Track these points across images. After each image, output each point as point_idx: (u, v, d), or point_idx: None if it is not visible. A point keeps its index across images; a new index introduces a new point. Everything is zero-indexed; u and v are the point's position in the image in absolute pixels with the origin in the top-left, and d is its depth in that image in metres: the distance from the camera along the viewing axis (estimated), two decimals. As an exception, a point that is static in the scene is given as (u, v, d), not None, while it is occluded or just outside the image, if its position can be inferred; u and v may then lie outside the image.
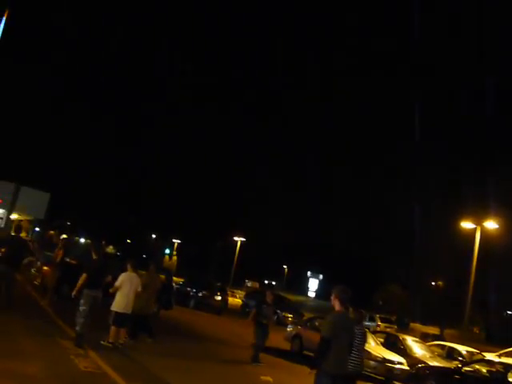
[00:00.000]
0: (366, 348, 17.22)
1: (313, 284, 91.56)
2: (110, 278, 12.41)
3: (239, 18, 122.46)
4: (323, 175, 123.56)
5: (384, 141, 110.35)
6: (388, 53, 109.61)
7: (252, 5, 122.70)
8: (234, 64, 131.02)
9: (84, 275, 11.88)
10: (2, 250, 12.72)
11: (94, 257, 12.27)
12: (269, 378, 12.60)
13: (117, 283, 12.30)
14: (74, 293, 11.87)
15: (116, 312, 12.16)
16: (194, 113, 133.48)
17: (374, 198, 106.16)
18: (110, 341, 12.01)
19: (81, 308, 11.54)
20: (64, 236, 19.79)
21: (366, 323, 34.06)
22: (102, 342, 11.87)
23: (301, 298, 72.15)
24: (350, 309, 11.30)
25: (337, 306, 7.62)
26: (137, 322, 13.31)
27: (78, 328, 11.28)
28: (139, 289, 12.59)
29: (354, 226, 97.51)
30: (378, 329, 33.78)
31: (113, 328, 12.12)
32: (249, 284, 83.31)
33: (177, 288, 32.68)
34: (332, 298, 7.76)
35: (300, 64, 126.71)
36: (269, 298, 15.66)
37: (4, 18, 9.14)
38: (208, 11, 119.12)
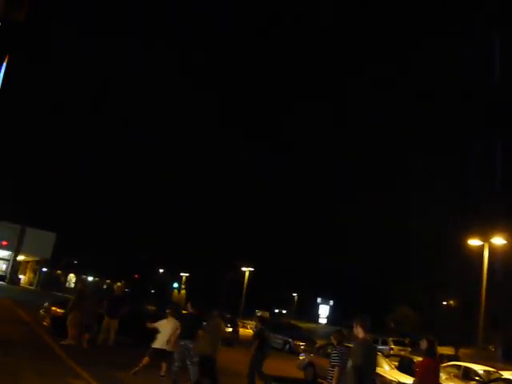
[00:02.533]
0: (379, 372, 17.14)
1: (323, 310, 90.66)
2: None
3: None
4: (330, 200, 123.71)
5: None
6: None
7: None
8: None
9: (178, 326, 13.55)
10: None
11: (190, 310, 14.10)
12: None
13: (156, 324, 14.06)
14: (171, 346, 13.45)
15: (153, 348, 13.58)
16: (196, 144, 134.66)
17: (377, 219, 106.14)
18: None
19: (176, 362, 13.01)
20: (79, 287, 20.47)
21: (380, 347, 33.69)
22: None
23: (312, 325, 71.52)
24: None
25: (360, 333, 7.76)
26: (202, 366, 13.31)
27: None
28: (178, 331, 13.65)
29: (361, 248, 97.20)
30: (392, 352, 33.37)
31: (146, 358, 13.38)
32: (259, 314, 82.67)
33: (187, 322, 32.46)
34: (355, 326, 7.85)
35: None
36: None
37: (4, 64, 9.23)
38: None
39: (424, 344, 9.63)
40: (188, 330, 13.21)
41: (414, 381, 9.34)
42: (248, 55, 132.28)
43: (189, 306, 14.41)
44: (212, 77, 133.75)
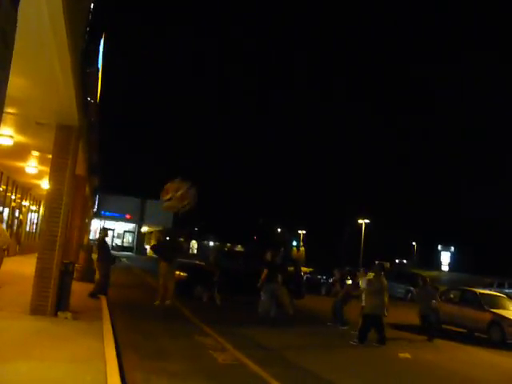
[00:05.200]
0: (507, 315, 16.71)
1: (445, 257, 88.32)
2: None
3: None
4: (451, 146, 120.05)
5: None
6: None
7: None
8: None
9: (265, 271, 15.80)
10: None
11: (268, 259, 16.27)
12: (407, 355, 12.47)
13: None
14: (258, 285, 15.83)
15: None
16: (310, 103, 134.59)
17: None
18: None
19: (262, 297, 15.59)
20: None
21: (506, 290, 32.63)
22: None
23: (434, 273, 70.13)
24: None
25: None
26: (368, 324, 13.87)
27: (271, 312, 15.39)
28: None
29: (481, 192, 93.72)
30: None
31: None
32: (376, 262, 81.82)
33: (307, 277, 33.03)
34: None
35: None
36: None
37: (102, 41, 9.67)
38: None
39: None
40: (272, 275, 15.77)
41: None
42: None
43: (268, 255, 16.21)
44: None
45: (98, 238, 18.57)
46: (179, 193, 15.41)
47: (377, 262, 15.93)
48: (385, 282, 14.36)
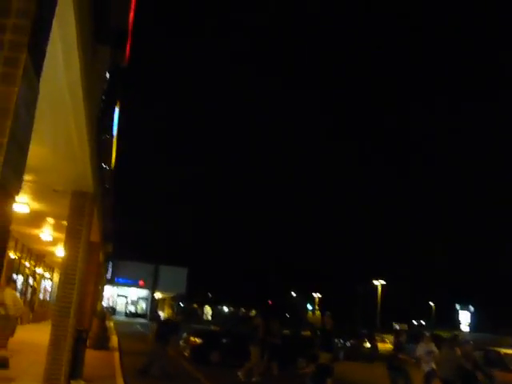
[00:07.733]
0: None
1: (464, 317, 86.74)
2: None
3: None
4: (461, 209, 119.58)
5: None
6: None
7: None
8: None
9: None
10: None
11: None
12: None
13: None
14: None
15: None
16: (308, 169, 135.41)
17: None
18: None
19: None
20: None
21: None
22: None
23: (456, 334, 68.38)
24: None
25: None
26: None
27: None
28: None
29: (500, 249, 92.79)
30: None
31: None
32: (397, 327, 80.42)
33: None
34: None
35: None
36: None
37: (117, 109, 9.87)
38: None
39: None
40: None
41: None
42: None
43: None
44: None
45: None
46: None
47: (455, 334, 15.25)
48: (452, 351, 13.75)
